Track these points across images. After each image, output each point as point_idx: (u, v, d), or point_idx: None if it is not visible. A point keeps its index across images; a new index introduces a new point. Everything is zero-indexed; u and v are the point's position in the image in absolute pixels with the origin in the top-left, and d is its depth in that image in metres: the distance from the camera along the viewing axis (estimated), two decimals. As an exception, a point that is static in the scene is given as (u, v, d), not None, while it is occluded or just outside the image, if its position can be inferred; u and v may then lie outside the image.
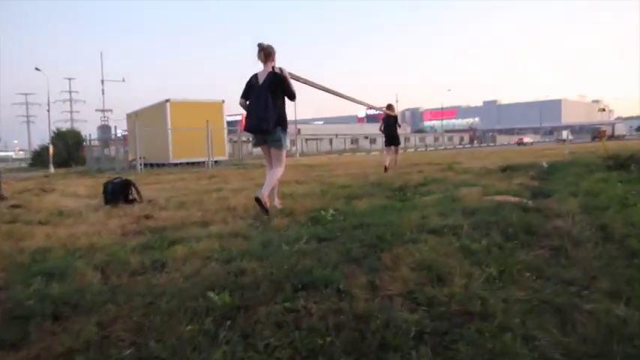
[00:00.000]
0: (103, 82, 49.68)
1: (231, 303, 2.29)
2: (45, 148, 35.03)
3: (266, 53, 4.87)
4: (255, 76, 4.92)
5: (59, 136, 47.05)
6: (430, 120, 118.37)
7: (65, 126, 53.82)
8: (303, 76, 5.33)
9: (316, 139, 64.82)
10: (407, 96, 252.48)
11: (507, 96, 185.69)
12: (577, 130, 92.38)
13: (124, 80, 54.17)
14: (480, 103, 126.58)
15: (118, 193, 6.11)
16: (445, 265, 2.77)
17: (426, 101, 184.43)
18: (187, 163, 17.23)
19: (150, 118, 19.56)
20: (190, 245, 3.32)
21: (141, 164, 16.08)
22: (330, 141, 65.16)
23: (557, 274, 2.76)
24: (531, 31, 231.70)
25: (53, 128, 52.99)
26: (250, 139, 4.99)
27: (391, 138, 10.80)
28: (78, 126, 58.62)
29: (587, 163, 8.76)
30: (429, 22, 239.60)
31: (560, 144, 37.43)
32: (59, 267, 2.90)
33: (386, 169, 9.86)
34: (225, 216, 4.42)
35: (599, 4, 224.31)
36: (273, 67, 4.88)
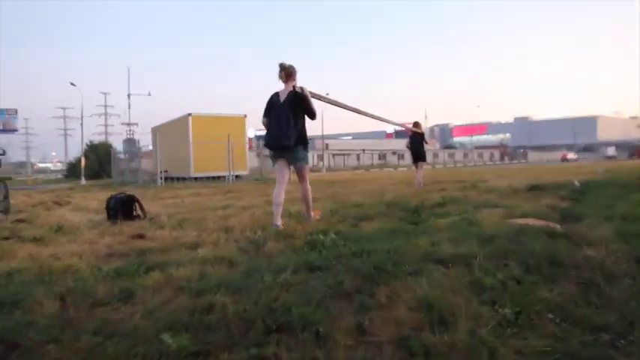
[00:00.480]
0: (129, 96, 50.92)
1: (187, 347, 1.94)
2: (78, 160, 36.23)
3: (287, 73, 4.98)
4: (276, 95, 5.04)
5: (92, 149, 48.37)
6: (460, 136, 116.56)
7: (100, 139, 55.43)
8: (325, 95, 5.45)
9: (343, 155, 64.53)
10: (436, 112, 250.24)
11: (539, 112, 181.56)
12: (614, 146, 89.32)
13: (149, 94, 55.42)
14: (511, 119, 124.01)
15: (120, 209, 5.90)
16: (450, 303, 2.36)
17: (456, 117, 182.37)
18: (208, 178, 17.15)
19: (172, 131, 19.64)
20: (169, 272, 3.00)
21: (161, 178, 16.06)
22: (358, 156, 64.73)
23: (587, 318, 2.32)
24: (563, 45, 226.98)
25: (88, 141, 54.77)
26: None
27: (417, 154, 10.95)
28: (112, 139, 60.21)
29: (625, 183, 8.11)
30: (458, 36, 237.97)
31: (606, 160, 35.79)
32: (18, 294, 2.62)
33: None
34: (220, 238, 4.09)
35: (632, 18, 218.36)
36: (294, 87, 4.98)
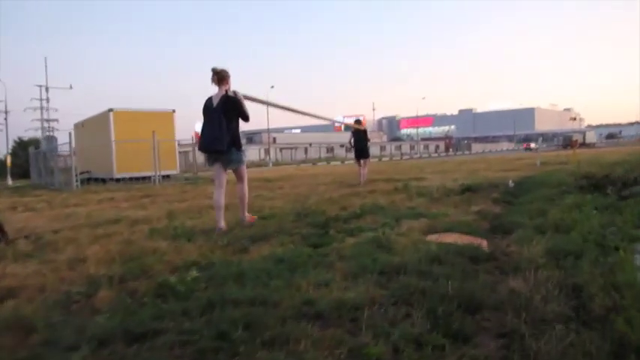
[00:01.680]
0: (47, 89, 47.70)
1: None
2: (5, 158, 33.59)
3: (219, 77, 5.01)
4: (209, 99, 5.05)
5: (20, 146, 44.67)
6: (407, 128, 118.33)
7: (37, 135, 51.28)
8: (259, 97, 5.61)
9: (291, 148, 63.51)
10: (383, 104, 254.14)
11: (483, 104, 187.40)
12: (550, 137, 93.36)
13: (71, 87, 52.10)
14: (455, 112, 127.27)
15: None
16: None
17: (403, 109, 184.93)
18: (133, 179, 15.71)
19: (94, 128, 17.94)
20: None
21: (77, 180, 14.50)
22: (305, 150, 63.84)
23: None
24: (505, 41, 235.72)
25: (16, 137, 50.78)
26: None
27: (360, 151, 10.75)
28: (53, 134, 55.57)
29: (559, 182, 7.70)
30: (405, 31, 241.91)
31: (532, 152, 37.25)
32: None
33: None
34: (52, 279, 3.08)
35: (573, 12, 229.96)
36: (226, 91, 4.98)
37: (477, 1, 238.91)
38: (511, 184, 7.81)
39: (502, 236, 4.31)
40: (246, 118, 5.05)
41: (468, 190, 7.39)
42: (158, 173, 15.16)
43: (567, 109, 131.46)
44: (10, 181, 24.45)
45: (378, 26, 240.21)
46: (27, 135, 49.14)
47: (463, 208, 5.70)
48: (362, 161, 10.70)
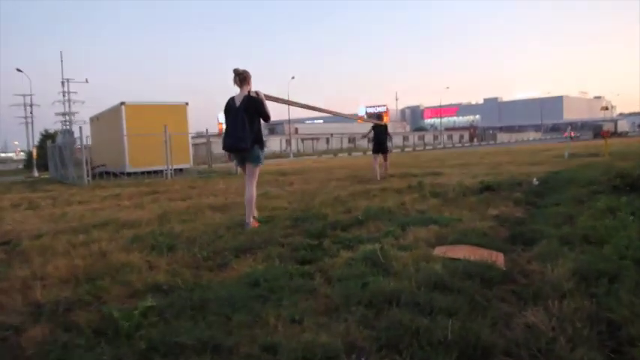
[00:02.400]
0: (64, 83, 48.19)
1: None
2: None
3: (241, 78, 5.13)
4: (232, 99, 5.18)
5: (46, 138, 45.29)
6: (431, 118, 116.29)
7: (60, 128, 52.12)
8: (281, 97, 5.73)
9: (312, 139, 62.83)
10: (407, 94, 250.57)
11: (509, 93, 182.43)
12: (579, 126, 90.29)
13: (87, 81, 52.55)
14: (481, 101, 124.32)
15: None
16: None
17: (427, 99, 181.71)
18: (145, 173, 15.45)
19: (107, 122, 17.73)
20: None
21: (88, 175, 14.31)
22: (327, 140, 63.07)
23: None
24: (532, 28, 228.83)
25: (43, 130, 51.54)
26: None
27: (380, 146, 10.55)
28: (77, 127, 56.38)
29: (589, 180, 6.99)
30: (429, 19, 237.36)
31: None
32: None
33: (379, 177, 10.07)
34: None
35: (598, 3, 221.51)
36: (249, 91, 5.11)
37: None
38: (535, 181, 7.17)
39: (522, 248, 3.75)
40: (267, 118, 5.19)
41: (487, 188, 6.78)
42: (170, 167, 14.88)
43: (597, 97, 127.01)
44: (36, 173, 25.74)
45: (401, 15, 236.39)
46: (54, 128, 50.02)
47: (480, 211, 5.12)
48: (382, 155, 10.57)
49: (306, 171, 16.00)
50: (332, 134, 62.91)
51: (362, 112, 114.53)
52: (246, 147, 5.02)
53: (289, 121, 60.59)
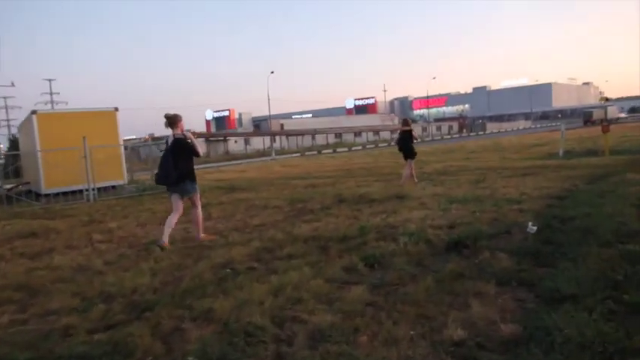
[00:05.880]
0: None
1: None
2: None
3: (170, 122, 5.83)
4: (168, 138, 5.97)
5: (14, 145, 41.92)
6: (420, 109, 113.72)
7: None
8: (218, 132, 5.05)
9: (297, 136, 59.50)
10: (395, 85, 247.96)
11: (497, 82, 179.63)
12: (568, 114, 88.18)
13: (12, 84, 49.57)
14: (470, 90, 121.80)
15: None
16: None
17: (416, 90, 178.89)
18: (67, 193, 12.81)
19: (26, 134, 15.03)
20: None
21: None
22: (313, 136, 59.87)
23: None
24: (518, 16, 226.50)
25: (11, 135, 48.22)
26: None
27: (407, 152, 10.79)
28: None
29: (615, 228, 4.55)
30: (414, 9, 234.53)
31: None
32: None
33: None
34: None
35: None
36: (176, 134, 5.77)
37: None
38: (532, 227, 4.80)
39: None
40: (197, 155, 5.82)
41: (457, 244, 4.40)
42: (93, 186, 12.25)
43: (586, 84, 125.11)
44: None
45: (387, 4, 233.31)
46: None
47: (430, 325, 2.72)
48: (408, 161, 10.73)
49: (265, 183, 13.41)
50: (316, 130, 60.03)
51: (350, 105, 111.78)
52: (172, 182, 5.73)
53: (269, 117, 57.92)
